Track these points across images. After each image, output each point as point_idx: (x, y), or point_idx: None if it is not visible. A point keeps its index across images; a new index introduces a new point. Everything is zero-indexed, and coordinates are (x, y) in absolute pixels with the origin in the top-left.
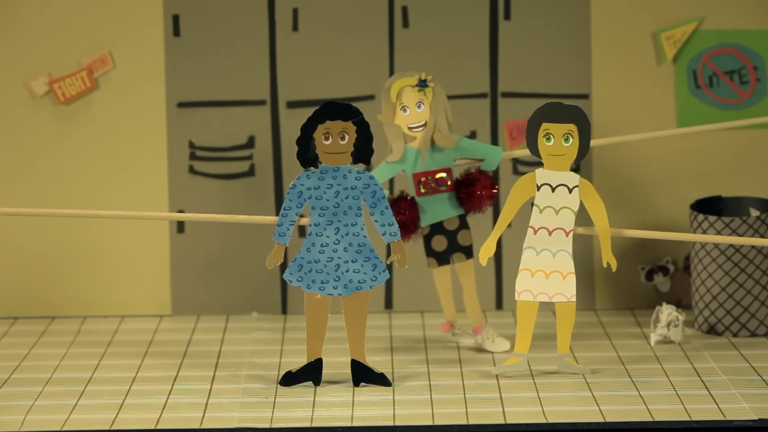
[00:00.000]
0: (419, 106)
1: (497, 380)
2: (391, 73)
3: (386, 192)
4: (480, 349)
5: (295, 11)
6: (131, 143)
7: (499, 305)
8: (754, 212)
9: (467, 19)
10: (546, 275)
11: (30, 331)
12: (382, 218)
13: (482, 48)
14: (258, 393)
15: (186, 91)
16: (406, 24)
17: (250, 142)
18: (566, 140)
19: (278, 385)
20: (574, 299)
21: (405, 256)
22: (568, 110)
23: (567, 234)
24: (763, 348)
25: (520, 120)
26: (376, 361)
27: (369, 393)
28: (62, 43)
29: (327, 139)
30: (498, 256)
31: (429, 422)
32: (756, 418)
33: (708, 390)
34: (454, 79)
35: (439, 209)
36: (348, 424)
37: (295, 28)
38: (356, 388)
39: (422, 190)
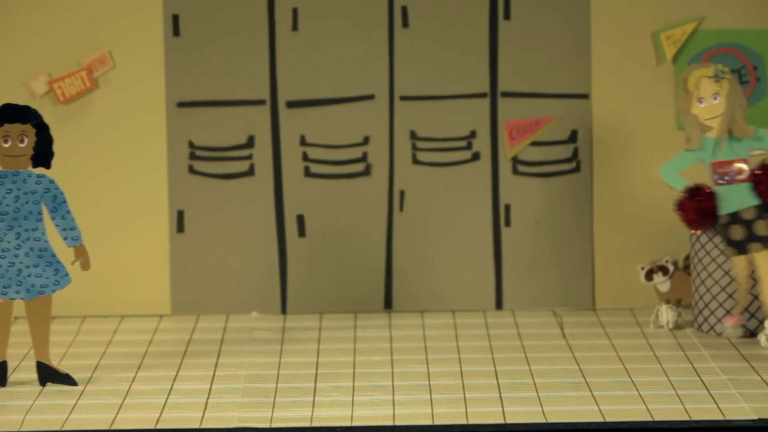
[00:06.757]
0: (715, 98)
1: (497, 380)
2: (391, 72)
3: (684, 181)
4: (480, 349)
5: (295, 11)
6: (131, 143)
7: (498, 305)
8: None
9: (467, 19)
10: None
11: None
12: (63, 222)
13: (482, 48)
14: (258, 393)
15: (186, 91)
16: (406, 24)
17: (250, 142)
18: None
19: (277, 385)
20: None
21: (88, 260)
22: None
23: None
24: (763, 348)
25: (520, 120)
26: (375, 361)
27: (369, 393)
28: (62, 42)
29: (6, 142)
30: (498, 256)
31: (429, 422)
32: (756, 417)
33: (708, 390)
34: (454, 79)
35: (736, 199)
36: (348, 424)
37: (295, 28)
38: (356, 389)
39: (720, 180)
